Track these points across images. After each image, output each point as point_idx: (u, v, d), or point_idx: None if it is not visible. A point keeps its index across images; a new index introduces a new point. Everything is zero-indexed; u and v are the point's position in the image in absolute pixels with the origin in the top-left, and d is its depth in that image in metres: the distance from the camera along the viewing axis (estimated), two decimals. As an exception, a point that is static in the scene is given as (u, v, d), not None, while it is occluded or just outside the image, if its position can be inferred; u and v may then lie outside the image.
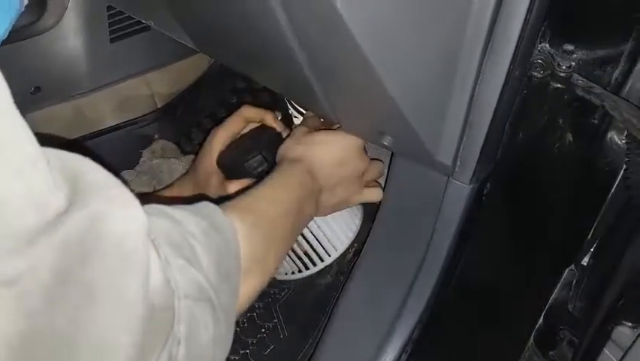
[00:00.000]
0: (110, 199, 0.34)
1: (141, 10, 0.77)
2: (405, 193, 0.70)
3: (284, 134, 0.80)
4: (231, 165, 0.79)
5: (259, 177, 0.74)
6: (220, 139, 0.80)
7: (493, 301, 0.74)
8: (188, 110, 1.12)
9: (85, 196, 0.32)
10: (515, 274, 0.72)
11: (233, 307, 0.48)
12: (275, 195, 0.61)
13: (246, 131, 0.83)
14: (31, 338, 0.29)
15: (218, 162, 0.80)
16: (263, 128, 0.82)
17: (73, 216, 0.31)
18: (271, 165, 0.75)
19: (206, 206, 0.50)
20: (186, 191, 0.83)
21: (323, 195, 0.69)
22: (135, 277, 0.34)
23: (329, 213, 0.75)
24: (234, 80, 1.17)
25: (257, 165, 0.76)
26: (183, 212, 0.47)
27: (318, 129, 0.75)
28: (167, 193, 0.84)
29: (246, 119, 0.82)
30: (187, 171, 0.88)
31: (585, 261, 0.70)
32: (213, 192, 0.80)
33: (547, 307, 0.72)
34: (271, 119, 0.81)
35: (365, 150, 0.74)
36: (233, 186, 0.77)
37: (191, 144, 1.11)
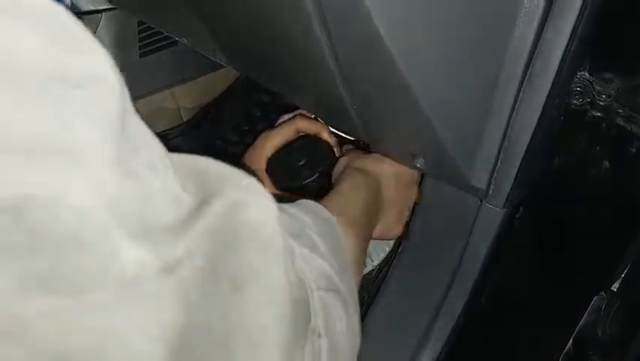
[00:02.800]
0: (244, 188, 0.32)
1: (174, 27, 0.78)
2: (435, 214, 0.70)
3: (336, 151, 0.79)
4: (285, 177, 0.77)
5: (312, 193, 0.74)
6: (271, 147, 0.78)
7: (521, 324, 0.73)
8: (214, 124, 1.13)
9: (219, 188, 0.31)
10: (544, 298, 0.71)
11: (356, 297, 0.47)
12: (354, 206, 0.60)
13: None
14: (188, 336, 0.27)
15: (267, 170, 0.78)
16: (314, 139, 0.79)
17: (212, 205, 0.30)
18: (325, 183, 0.73)
19: (309, 202, 0.50)
20: None
21: (381, 212, 0.68)
22: (277, 265, 0.33)
23: (376, 236, 0.73)
24: (259, 94, 1.17)
25: (315, 184, 0.75)
26: (292, 206, 0.46)
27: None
28: None
29: (299, 129, 0.79)
30: None
31: (615, 286, 0.69)
32: None
33: (575, 332, 0.71)
34: (327, 134, 0.79)
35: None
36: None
37: (215, 158, 1.11)
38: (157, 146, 0.30)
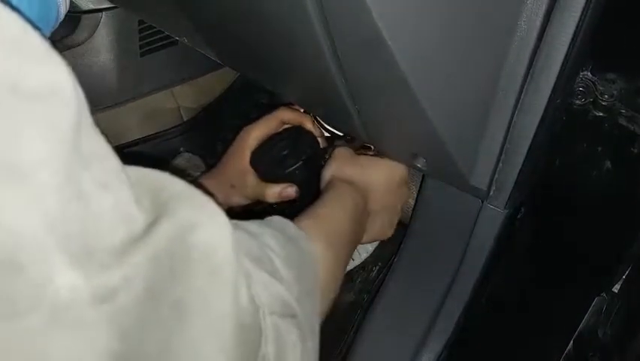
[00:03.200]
0: (197, 208, 0.32)
1: (175, 27, 0.78)
2: (435, 215, 0.70)
3: (321, 142, 0.79)
4: (269, 168, 0.77)
5: (296, 182, 0.74)
6: (254, 139, 0.78)
7: (522, 325, 0.73)
8: (213, 124, 1.13)
9: (171, 206, 0.30)
10: (545, 299, 0.71)
11: (317, 325, 0.46)
12: (337, 217, 0.60)
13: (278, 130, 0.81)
14: None
15: (251, 162, 0.78)
16: (297, 130, 0.80)
17: (161, 226, 0.29)
18: (310, 172, 0.74)
19: (279, 220, 0.49)
20: (215, 189, 0.80)
21: (369, 220, 0.68)
22: (226, 292, 0.32)
23: (367, 242, 0.74)
24: (259, 95, 1.17)
25: (299, 172, 0.75)
26: (257, 225, 0.45)
27: (357, 151, 0.74)
28: None
29: (282, 121, 0.79)
30: (210, 170, 0.86)
31: (616, 288, 0.69)
32: (250, 193, 0.79)
33: (576, 333, 0.71)
34: (310, 124, 0.79)
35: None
36: (273, 190, 0.76)
37: (215, 157, 1.11)
38: (112, 160, 0.29)
